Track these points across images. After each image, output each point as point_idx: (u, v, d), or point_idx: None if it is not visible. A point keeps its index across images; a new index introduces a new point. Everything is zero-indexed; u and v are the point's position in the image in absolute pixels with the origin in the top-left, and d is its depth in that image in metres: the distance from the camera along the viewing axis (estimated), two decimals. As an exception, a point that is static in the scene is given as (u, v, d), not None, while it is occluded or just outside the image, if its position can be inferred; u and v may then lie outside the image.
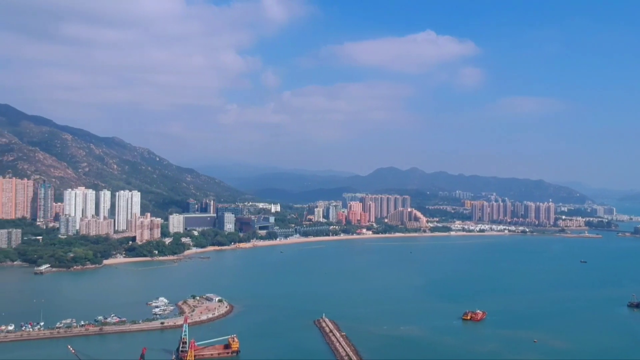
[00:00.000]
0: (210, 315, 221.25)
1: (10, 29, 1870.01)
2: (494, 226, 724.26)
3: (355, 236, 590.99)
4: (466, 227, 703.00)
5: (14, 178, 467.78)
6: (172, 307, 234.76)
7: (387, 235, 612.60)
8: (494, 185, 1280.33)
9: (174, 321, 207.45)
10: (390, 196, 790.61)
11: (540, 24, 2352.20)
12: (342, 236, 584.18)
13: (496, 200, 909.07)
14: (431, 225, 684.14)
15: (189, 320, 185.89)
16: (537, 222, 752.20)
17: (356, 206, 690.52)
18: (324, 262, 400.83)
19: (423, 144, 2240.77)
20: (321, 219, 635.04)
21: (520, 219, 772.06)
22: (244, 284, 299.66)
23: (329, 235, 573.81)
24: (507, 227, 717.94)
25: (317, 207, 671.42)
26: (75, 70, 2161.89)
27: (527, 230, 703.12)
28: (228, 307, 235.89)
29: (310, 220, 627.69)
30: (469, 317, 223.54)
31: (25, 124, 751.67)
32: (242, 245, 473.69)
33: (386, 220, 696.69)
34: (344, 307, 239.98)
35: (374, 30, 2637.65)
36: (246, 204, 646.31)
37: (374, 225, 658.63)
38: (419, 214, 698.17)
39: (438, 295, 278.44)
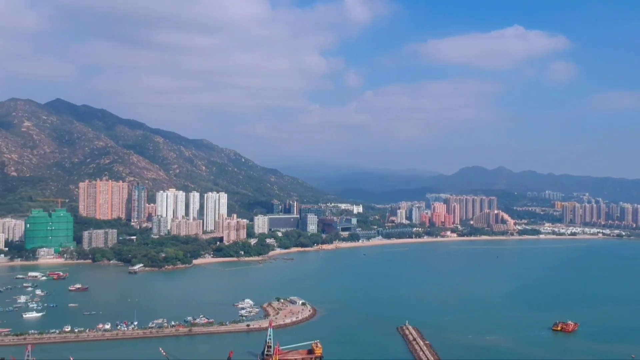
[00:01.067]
0: (294, 319, 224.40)
1: (105, 37, 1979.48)
2: (586, 229, 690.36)
3: (439, 239, 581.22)
4: (556, 230, 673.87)
5: (110, 181, 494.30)
6: (257, 309, 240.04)
7: (472, 238, 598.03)
8: (586, 185, 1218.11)
9: (259, 324, 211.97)
10: (475, 197, 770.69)
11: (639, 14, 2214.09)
12: (426, 238, 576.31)
13: (589, 202, 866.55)
14: (519, 227, 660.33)
15: (273, 324, 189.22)
16: (634, 226, 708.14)
17: (440, 207, 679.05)
18: (407, 266, 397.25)
19: (510, 142, 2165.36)
20: (404, 221, 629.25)
21: (616, 222, 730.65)
22: (326, 287, 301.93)
23: (411, 238, 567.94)
24: (600, 231, 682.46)
25: (399, 208, 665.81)
26: (166, 75, 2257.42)
27: (624, 234, 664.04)
28: (311, 311, 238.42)
29: (392, 221, 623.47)
30: (559, 328, 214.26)
31: (120, 128, 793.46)
32: (325, 246, 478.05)
33: (471, 223, 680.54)
34: (427, 313, 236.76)
35: (459, 26, 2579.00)
36: (329, 205, 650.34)
37: (459, 227, 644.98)
38: (506, 216, 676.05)
39: (526, 303, 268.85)
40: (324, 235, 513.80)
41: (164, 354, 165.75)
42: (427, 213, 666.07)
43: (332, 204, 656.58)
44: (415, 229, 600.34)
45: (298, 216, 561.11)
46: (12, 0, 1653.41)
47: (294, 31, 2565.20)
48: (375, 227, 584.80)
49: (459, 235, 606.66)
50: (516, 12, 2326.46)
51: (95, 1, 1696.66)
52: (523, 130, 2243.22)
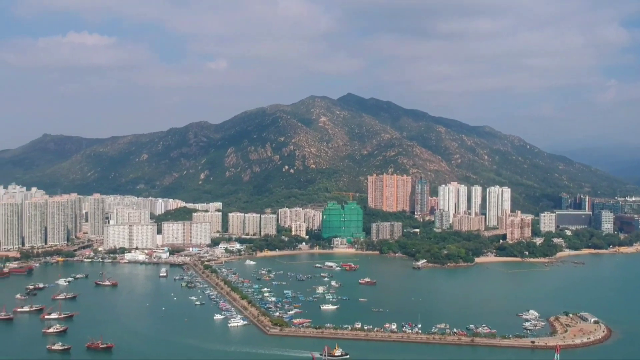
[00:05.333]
0: (584, 340, 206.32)
1: (391, 31, 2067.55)
2: None
3: None
4: None
5: (395, 175, 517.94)
6: (543, 323, 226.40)
7: None
8: None
9: (545, 341, 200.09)
10: None
11: None
12: None
13: None
14: None
15: (560, 346, 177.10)
16: None
17: None
18: None
19: None
20: None
21: None
22: (625, 302, 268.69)
23: None
24: None
25: None
26: (449, 62, 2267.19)
27: None
28: (605, 332, 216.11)
29: None
30: None
31: (404, 120, 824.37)
32: (623, 249, 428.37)
33: None
34: None
35: None
36: (627, 199, 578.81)
37: None
38: None
39: None
40: (621, 236, 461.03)
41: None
42: None
43: (633, 199, 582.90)
44: None
45: (590, 212, 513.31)
46: (310, 7, 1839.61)
47: (590, 3, 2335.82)
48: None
49: None
50: None
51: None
52: None
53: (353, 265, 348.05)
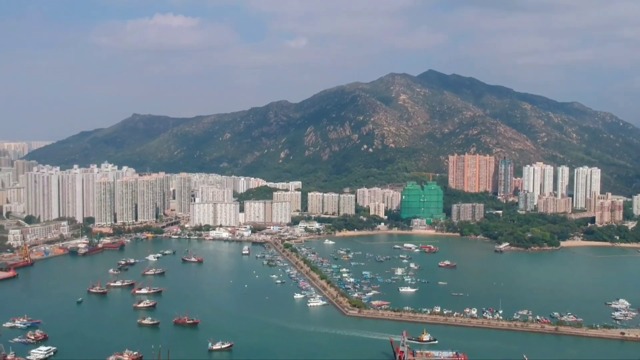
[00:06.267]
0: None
1: (475, 4, 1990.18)
2: None
3: None
4: None
5: (477, 155, 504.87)
6: (634, 313, 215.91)
7: None
8: None
9: (636, 333, 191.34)
10: None
11: None
12: None
13: None
14: None
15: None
16: None
17: None
18: None
19: None
20: None
21: None
22: None
23: None
24: None
25: None
26: (535, 35, 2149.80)
27: None
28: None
29: None
30: None
31: (487, 97, 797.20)
32: None
33: None
34: None
35: None
36: None
37: None
38: None
39: None
40: None
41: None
42: None
43: None
44: None
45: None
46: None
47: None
48: None
49: None
50: None
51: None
52: None
53: (432, 247, 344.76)
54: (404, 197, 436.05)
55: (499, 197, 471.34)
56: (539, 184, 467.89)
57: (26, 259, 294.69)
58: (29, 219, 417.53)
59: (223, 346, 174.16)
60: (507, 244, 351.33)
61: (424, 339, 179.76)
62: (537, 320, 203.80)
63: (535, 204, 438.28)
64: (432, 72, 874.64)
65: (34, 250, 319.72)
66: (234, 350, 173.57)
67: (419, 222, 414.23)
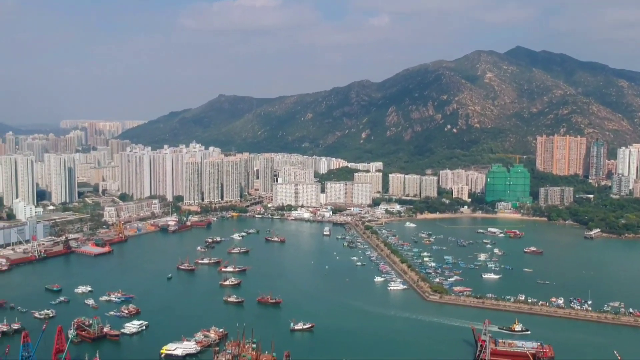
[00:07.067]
0: None
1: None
2: None
3: None
4: None
5: (567, 136, 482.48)
6: None
7: None
8: None
9: None
10: None
11: None
12: None
13: None
14: None
15: None
16: None
17: None
18: None
19: None
20: None
21: None
22: None
23: None
24: None
25: None
26: (633, 6, 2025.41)
27: None
28: None
29: None
30: None
31: (579, 74, 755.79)
32: None
33: None
34: None
35: None
36: None
37: None
38: None
39: None
40: None
41: (619, 358, 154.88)
42: None
43: None
44: None
45: None
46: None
47: None
48: None
49: None
50: None
51: None
52: None
53: (518, 232, 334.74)
54: (488, 179, 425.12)
55: (590, 181, 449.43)
56: (635, 166, 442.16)
57: (120, 235, 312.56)
58: (123, 197, 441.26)
59: (304, 327, 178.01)
60: (598, 230, 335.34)
61: (516, 329, 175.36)
62: (630, 313, 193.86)
63: (630, 188, 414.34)
64: (520, 48, 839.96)
65: (128, 227, 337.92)
66: (315, 331, 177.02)
67: (504, 206, 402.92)
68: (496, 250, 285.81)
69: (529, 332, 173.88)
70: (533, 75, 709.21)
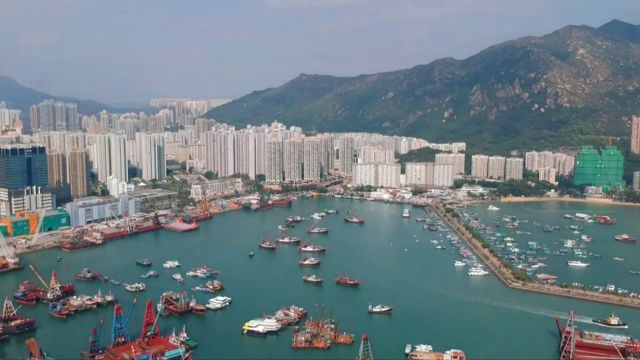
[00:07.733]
0: None
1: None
2: None
3: None
4: None
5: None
6: None
7: None
8: None
9: None
10: None
11: None
12: None
13: None
14: None
15: None
16: None
17: None
18: None
19: None
20: None
21: None
22: None
23: None
24: None
25: None
26: None
27: None
28: None
29: None
30: None
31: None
32: None
33: None
34: None
35: None
36: None
37: None
38: None
39: None
40: None
41: None
42: None
43: None
44: None
45: None
46: None
47: None
48: None
49: None
50: None
51: None
52: None
53: (609, 218, 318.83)
54: (578, 162, 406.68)
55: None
56: None
57: (206, 212, 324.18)
58: (209, 175, 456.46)
59: (383, 309, 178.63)
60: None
61: (612, 322, 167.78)
62: None
63: None
64: (616, 22, 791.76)
65: (213, 205, 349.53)
66: (393, 314, 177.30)
67: (594, 190, 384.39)
68: (584, 237, 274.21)
69: (626, 327, 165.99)
70: (630, 50, 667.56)
